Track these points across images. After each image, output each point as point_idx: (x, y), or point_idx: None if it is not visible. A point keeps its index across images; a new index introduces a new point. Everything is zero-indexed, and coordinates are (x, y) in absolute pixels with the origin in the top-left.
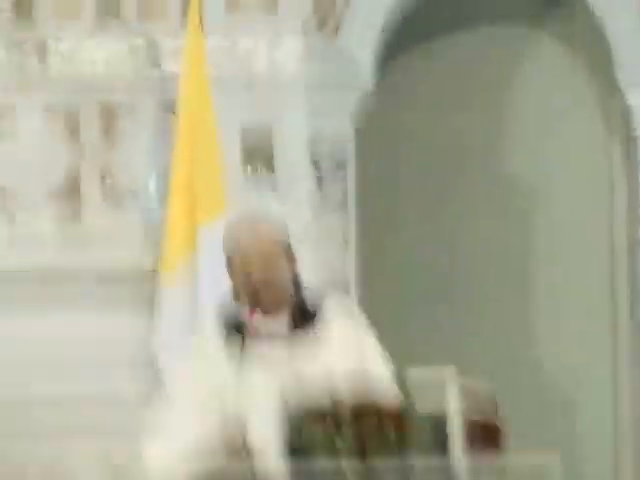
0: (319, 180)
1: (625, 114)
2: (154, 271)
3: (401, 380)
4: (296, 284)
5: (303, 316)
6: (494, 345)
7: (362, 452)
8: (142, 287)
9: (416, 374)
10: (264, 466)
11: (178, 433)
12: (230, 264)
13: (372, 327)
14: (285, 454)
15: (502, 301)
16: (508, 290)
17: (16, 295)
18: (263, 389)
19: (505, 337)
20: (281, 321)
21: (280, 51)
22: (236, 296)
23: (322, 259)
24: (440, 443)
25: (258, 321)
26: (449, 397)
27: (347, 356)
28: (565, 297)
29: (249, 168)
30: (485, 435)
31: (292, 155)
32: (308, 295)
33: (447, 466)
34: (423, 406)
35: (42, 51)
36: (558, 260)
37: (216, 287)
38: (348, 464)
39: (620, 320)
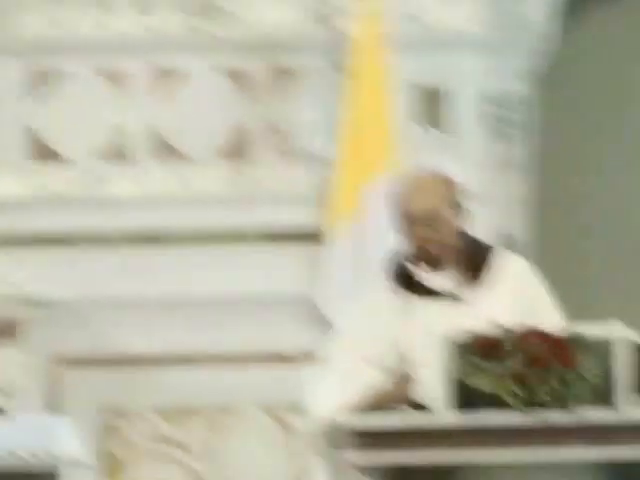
0: (492, 138)
1: None
2: (322, 228)
3: (570, 333)
4: (466, 239)
5: (473, 270)
6: None
7: (522, 374)
8: (310, 244)
9: (586, 330)
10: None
11: (347, 388)
12: (397, 221)
13: (546, 284)
14: (451, 387)
15: None
16: None
17: (185, 253)
18: (431, 340)
19: None
20: (450, 276)
21: (452, 8)
22: (404, 252)
23: (496, 217)
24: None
25: (426, 276)
26: (617, 351)
27: (517, 309)
28: None
29: (420, 127)
30: None
31: (464, 114)
32: (479, 250)
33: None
34: (591, 360)
35: (214, 12)
36: None
37: (383, 243)
38: (507, 385)
39: None
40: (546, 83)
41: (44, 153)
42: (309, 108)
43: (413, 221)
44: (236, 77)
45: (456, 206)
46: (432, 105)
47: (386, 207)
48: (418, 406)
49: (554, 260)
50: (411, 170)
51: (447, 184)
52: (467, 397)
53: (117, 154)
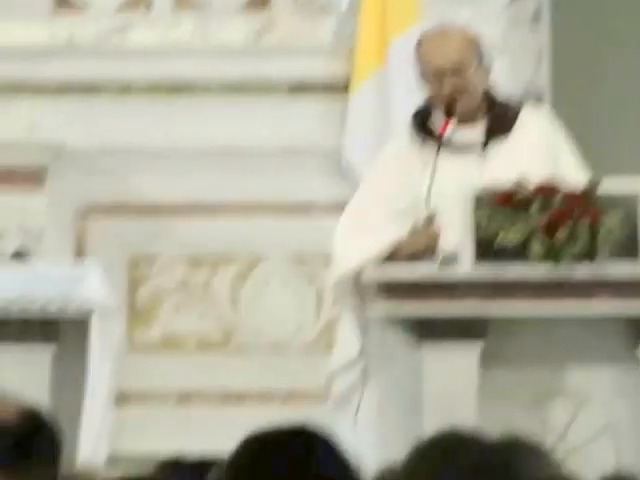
0: None
1: None
2: (346, 82)
3: (595, 187)
4: (491, 94)
5: (499, 124)
6: None
7: (549, 228)
8: (334, 96)
9: (611, 184)
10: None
11: (372, 238)
12: (423, 74)
13: (568, 136)
14: (471, 230)
15: None
16: None
17: (206, 105)
18: (455, 190)
19: None
20: (476, 129)
21: None
22: (431, 105)
23: (517, 70)
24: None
25: (453, 130)
26: None
27: (542, 163)
28: None
29: None
30: None
31: None
32: (504, 105)
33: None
34: (618, 214)
35: None
36: None
37: (408, 97)
38: (534, 239)
39: None
40: None
41: (67, 2)
42: None
43: (441, 74)
44: None
45: (481, 60)
46: None
47: (413, 60)
48: (445, 258)
49: (574, 115)
50: (437, 23)
51: (472, 38)
52: (493, 250)
53: (140, 3)
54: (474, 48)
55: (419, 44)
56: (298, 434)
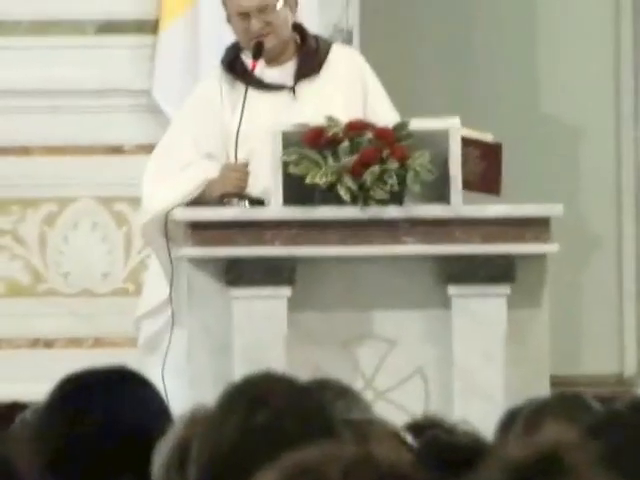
0: None
1: None
2: (156, 21)
3: (404, 125)
4: (301, 33)
5: (308, 65)
6: (501, 101)
7: (357, 169)
8: (144, 36)
9: (420, 123)
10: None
11: (180, 180)
12: (231, 15)
13: (378, 77)
14: (280, 171)
15: (510, 56)
16: (515, 45)
17: (19, 44)
18: (264, 131)
19: (510, 89)
20: (286, 69)
21: None
22: (241, 45)
23: (325, 10)
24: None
25: (262, 70)
26: (451, 143)
27: (351, 103)
28: (569, 46)
29: None
30: (485, 151)
31: None
32: (314, 44)
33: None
34: (426, 155)
35: None
36: (562, 8)
37: (217, 37)
38: (342, 180)
39: (624, 72)
40: None
41: None
42: None
43: (246, 15)
44: None
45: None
46: None
47: (221, 1)
48: (254, 199)
49: (386, 53)
50: None
51: None
52: (302, 191)
53: None
54: None
55: None
56: (114, 375)
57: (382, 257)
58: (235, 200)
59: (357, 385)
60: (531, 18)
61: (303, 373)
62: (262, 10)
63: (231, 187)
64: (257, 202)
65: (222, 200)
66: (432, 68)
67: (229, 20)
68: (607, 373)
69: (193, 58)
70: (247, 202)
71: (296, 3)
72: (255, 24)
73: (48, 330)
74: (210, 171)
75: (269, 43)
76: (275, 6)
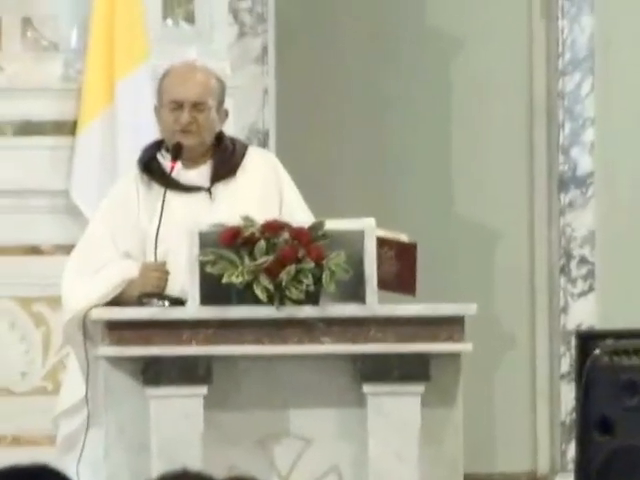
0: (239, 32)
1: None
2: (74, 122)
3: (320, 226)
4: (219, 136)
5: (224, 167)
6: (416, 202)
7: (273, 269)
8: (63, 137)
9: (336, 224)
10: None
11: (99, 280)
12: (160, 109)
13: (293, 180)
14: (197, 271)
15: (425, 157)
16: (431, 146)
17: None
18: (182, 231)
19: (427, 194)
20: (202, 172)
21: None
22: (159, 145)
23: (242, 110)
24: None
25: (179, 172)
26: (367, 243)
27: (266, 205)
28: (485, 150)
29: (170, 20)
30: (400, 251)
31: (212, 7)
32: (230, 146)
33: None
34: (342, 255)
35: None
36: (479, 115)
37: (135, 137)
38: (258, 280)
39: (537, 175)
40: None
41: None
42: (61, 1)
43: (179, 106)
44: None
45: (221, 106)
46: None
47: (155, 90)
48: (173, 299)
49: (301, 154)
50: (181, 61)
51: (218, 82)
52: (219, 291)
53: None
54: (219, 89)
55: (165, 75)
56: (36, 472)
57: (298, 356)
58: (155, 300)
59: None
60: (446, 118)
61: (219, 471)
62: (196, 106)
63: (150, 287)
64: (177, 302)
65: (141, 300)
66: (348, 169)
67: (158, 111)
68: (521, 471)
69: (110, 159)
70: (167, 302)
71: (227, 114)
72: (185, 116)
73: None
74: (129, 271)
75: (189, 141)
76: (209, 107)
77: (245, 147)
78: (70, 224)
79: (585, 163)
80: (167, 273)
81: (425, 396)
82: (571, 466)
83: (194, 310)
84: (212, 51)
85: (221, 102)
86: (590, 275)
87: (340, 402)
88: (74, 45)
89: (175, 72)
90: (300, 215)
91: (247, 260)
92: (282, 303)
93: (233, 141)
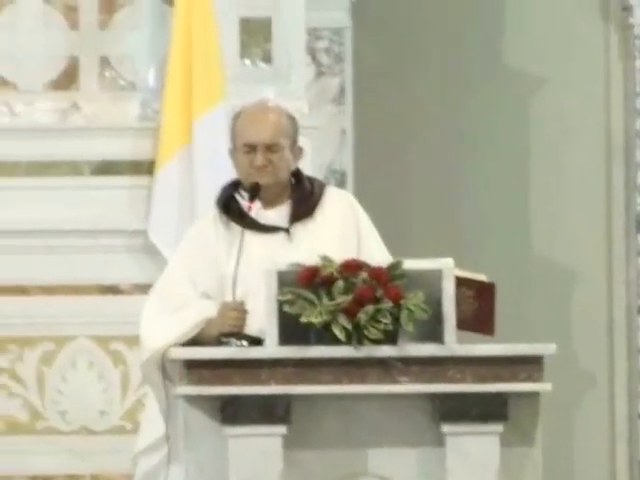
0: (317, 72)
1: (622, 1)
2: (152, 162)
3: (398, 265)
4: (296, 175)
5: (302, 208)
6: (494, 242)
7: (351, 309)
8: (140, 176)
9: (414, 263)
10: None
11: (178, 319)
12: (236, 148)
13: (371, 219)
14: (275, 310)
15: (502, 197)
16: (508, 186)
17: (17, 185)
18: (260, 271)
19: (505, 233)
20: (281, 212)
21: None
22: (237, 185)
23: (320, 149)
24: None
25: (258, 212)
26: (445, 282)
27: (344, 245)
28: (562, 189)
29: (247, 59)
30: (478, 291)
31: (290, 46)
32: (309, 186)
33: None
34: (418, 293)
35: None
36: (555, 152)
37: (213, 177)
38: (337, 320)
39: (615, 215)
40: (368, 16)
41: None
42: (138, 41)
43: (253, 148)
44: (66, 9)
45: (295, 144)
46: (261, 36)
47: (229, 133)
48: (252, 339)
49: (378, 194)
50: (253, 102)
51: (290, 120)
52: (297, 331)
53: None
54: (291, 128)
55: (237, 117)
56: None
57: (376, 395)
58: (233, 339)
59: None
60: (524, 158)
61: None
62: (269, 147)
63: (229, 326)
64: (255, 341)
65: (220, 339)
66: (426, 209)
67: (233, 154)
68: None
69: (188, 198)
70: (245, 341)
71: (301, 151)
72: (259, 159)
73: (46, 467)
74: (208, 310)
75: (265, 181)
76: (283, 147)
77: (323, 187)
78: (148, 264)
79: None
80: (245, 312)
81: (504, 436)
82: None
83: (272, 349)
84: (289, 91)
85: (294, 140)
86: None
87: (419, 442)
88: (151, 84)
89: (246, 114)
90: (378, 255)
91: (325, 300)
92: (360, 343)
93: (311, 181)
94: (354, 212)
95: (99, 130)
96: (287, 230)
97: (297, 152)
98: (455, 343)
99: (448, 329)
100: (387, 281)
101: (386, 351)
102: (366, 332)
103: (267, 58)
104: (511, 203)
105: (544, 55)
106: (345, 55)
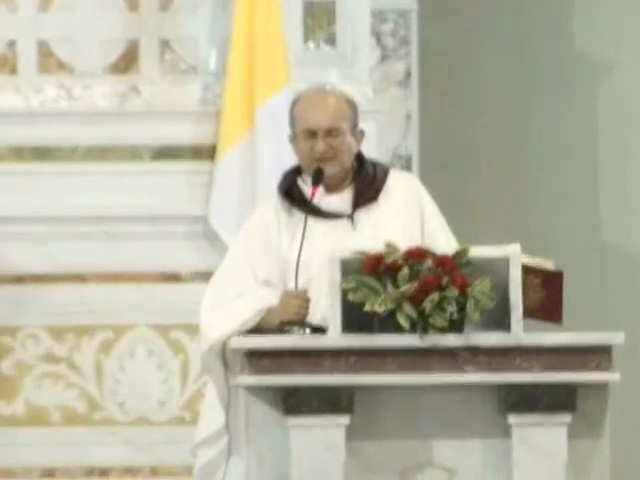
0: (382, 55)
1: None
2: (213, 147)
3: (464, 253)
4: (360, 160)
5: (366, 193)
6: (563, 228)
7: (416, 297)
8: (202, 161)
9: (480, 251)
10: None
11: (238, 308)
12: (297, 134)
13: (436, 203)
14: (338, 298)
15: (572, 182)
16: (577, 172)
17: (75, 170)
18: (323, 259)
19: (574, 220)
20: (344, 197)
21: None
22: (299, 170)
23: (385, 133)
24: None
25: (320, 198)
26: (512, 270)
27: (409, 230)
28: (632, 175)
29: (311, 43)
30: (546, 279)
31: (354, 30)
32: (372, 171)
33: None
34: (487, 283)
35: None
36: (625, 137)
37: (275, 162)
38: (401, 308)
39: None
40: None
41: None
42: (199, 23)
43: (313, 134)
44: None
45: (355, 127)
46: (325, 20)
47: (287, 119)
48: (315, 327)
49: (444, 180)
50: (313, 86)
51: (349, 103)
52: (360, 319)
53: (4, 66)
54: (351, 111)
55: (295, 102)
56: None
57: (441, 385)
58: (295, 328)
59: None
60: (593, 143)
61: None
62: (330, 132)
63: (291, 315)
64: (317, 330)
65: (282, 328)
66: (492, 195)
67: (293, 140)
68: None
69: (250, 184)
70: (308, 330)
71: (362, 134)
72: (321, 145)
73: (103, 459)
74: (269, 298)
75: (330, 169)
76: (343, 131)
77: (386, 171)
78: (209, 250)
79: None
80: (308, 301)
81: (572, 427)
82: None
83: (335, 338)
84: (354, 75)
85: (355, 123)
86: None
87: (484, 432)
88: (213, 68)
89: (305, 99)
90: (442, 236)
91: (390, 288)
92: (425, 331)
93: (374, 165)
94: (419, 195)
95: (159, 114)
96: (350, 216)
97: (358, 135)
98: (522, 332)
99: (515, 317)
100: (453, 269)
101: (452, 340)
102: (431, 321)
103: (331, 41)
104: (580, 188)
105: (614, 39)
106: (411, 38)
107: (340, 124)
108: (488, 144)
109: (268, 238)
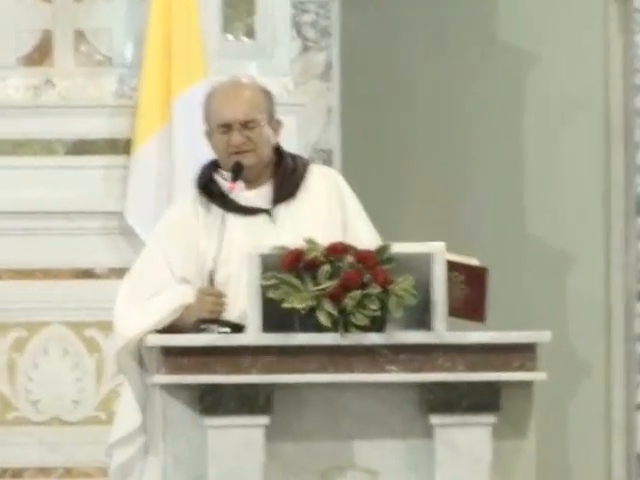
0: (302, 47)
1: None
2: (129, 141)
3: (387, 249)
4: (279, 154)
5: (285, 188)
6: (487, 225)
7: (337, 294)
8: (117, 155)
9: (403, 247)
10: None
11: (154, 305)
12: (211, 133)
13: (358, 198)
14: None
15: (497, 178)
16: (503, 166)
17: None
18: (242, 255)
19: (499, 216)
20: (263, 192)
21: None
22: (217, 165)
23: (306, 127)
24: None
25: (239, 193)
26: (435, 267)
27: (329, 226)
28: (559, 170)
29: (229, 34)
30: (470, 276)
31: (274, 21)
32: (291, 165)
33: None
34: (409, 279)
35: None
36: (552, 132)
37: (192, 157)
38: (322, 306)
39: (614, 197)
40: None
41: None
42: (115, 14)
43: (229, 128)
44: None
45: (272, 118)
46: (244, 11)
47: (202, 115)
48: (233, 325)
49: (366, 174)
50: (226, 79)
51: (264, 94)
52: (280, 317)
53: None
54: (267, 102)
55: (209, 97)
56: None
57: (363, 384)
58: (213, 326)
59: None
60: (519, 137)
61: None
62: (246, 125)
63: (208, 312)
64: (236, 328)
65: (199, 326)
66: (416, 189)
67: (209, 135)
68: None
69: (167, 179)
70: (226, 327)
71: (280, 125)
72: (237, 137)
73: (16, 459)
74: (185, 296)
75: (248, 161)
76: (260, 122)
77: (306, 164)
78: (124, 247)
79: None
80: (223, 297)
81: (496, 427)
82: None
83: (255, 336)
84: (274, 67)
85: (272, 114)
86: None
87: (407, 433)
88: (129, 60)
89: (218, 93)
90: (365, 235)
91: (310, 284)
92: (346, 329)
93: (294, 158)
94: (340, 190)
95: (74, 108)
96: (269, 212)
97: (276, 126)
98: (445, 330)
99: (438, 315)
100: (375, 265)
101: (373, 338)
102: (352, 318)
103: (251, 32)
104: (506, 184)
105: (540, 29)
106: (332, 29)
107: (256, 116)
108: (410, 139)
109: (186, 234)
